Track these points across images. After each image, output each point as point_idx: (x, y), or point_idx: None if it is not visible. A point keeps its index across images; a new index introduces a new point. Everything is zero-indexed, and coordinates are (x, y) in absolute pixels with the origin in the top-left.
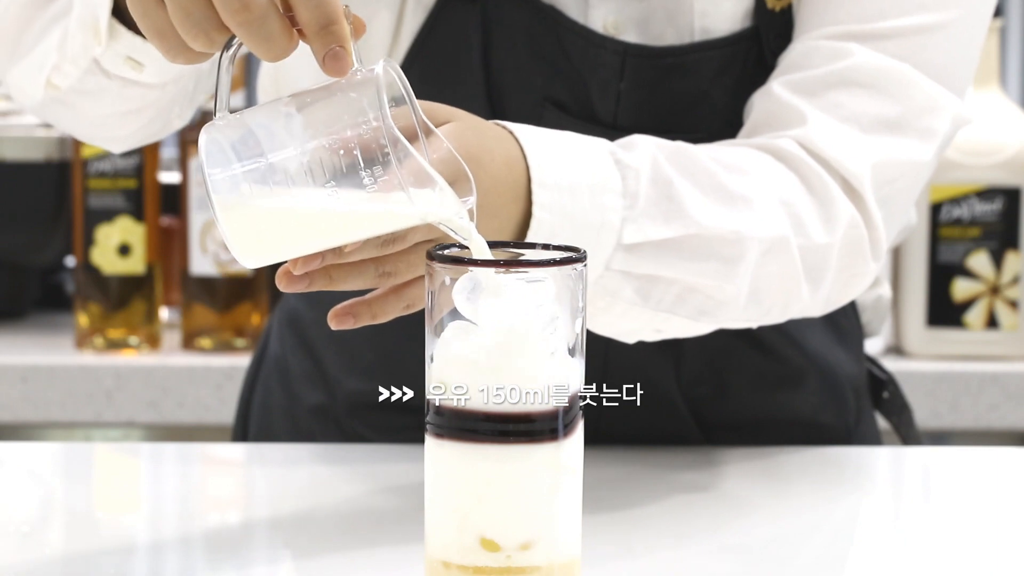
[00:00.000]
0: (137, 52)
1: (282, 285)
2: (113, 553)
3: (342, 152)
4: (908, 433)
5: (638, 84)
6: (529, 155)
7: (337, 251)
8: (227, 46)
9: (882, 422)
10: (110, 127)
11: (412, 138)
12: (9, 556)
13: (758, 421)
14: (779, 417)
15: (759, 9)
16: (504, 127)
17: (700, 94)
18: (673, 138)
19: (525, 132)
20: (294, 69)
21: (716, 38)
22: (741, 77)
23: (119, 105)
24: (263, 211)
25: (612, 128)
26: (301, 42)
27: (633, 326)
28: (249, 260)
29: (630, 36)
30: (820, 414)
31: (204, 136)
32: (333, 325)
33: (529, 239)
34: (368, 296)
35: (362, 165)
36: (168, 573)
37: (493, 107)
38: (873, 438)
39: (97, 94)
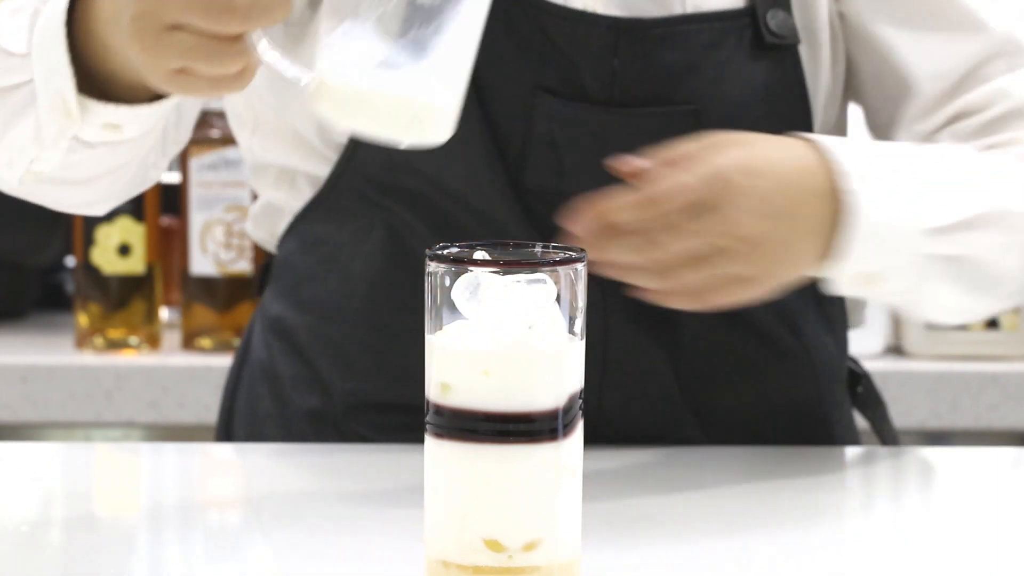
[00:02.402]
0: (113, 116)
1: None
2: (113, 553)
3: None
4: (882, 428)
5: (633, 58)
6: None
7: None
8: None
9: (859, 419)
10: (99, 187)
11: None
12: (9, 556)
13: (756, 411)
14: (776, 404)
15: None
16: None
17: (690, 66)
18: (667, 110)
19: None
20: None
21: (708, 11)
22: (734, 52)
23: (108, 162)
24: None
25: (606, 105)
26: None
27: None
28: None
29: (614, 12)
30: (816, 402)
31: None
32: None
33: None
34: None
35: None
36: (168, 573)
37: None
38: (853, 431)
39: (85, 163)
